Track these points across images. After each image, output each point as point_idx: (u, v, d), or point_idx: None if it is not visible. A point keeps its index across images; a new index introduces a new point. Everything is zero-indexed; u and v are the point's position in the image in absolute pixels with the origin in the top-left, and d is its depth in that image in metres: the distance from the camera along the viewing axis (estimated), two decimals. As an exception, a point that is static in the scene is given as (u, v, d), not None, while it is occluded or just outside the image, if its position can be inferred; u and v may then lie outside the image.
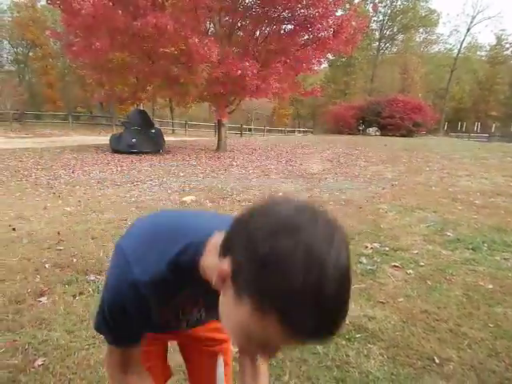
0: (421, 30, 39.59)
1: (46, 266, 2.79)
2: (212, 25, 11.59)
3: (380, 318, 2.18)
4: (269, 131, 32.11)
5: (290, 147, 12.98)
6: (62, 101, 32.16)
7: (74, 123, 24.36)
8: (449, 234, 3.67)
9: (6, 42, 34.79)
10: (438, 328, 2.08)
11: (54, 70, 32.06)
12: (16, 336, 1.91)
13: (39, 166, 8.00)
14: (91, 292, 2.40)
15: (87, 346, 1.84)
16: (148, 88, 11.79)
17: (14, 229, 3.68)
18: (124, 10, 9.22)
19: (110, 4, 9.22)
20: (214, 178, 7.22)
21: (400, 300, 2.40)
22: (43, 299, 2.29)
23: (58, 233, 3.56)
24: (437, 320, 2.17)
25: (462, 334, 2.02)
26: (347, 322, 2.15)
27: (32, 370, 1.67)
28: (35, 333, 1.94)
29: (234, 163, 9.28)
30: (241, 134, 26.47)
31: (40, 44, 31.05)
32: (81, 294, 2.38)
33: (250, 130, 31.41)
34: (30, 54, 34.05)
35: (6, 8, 34.15)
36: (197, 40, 8.75)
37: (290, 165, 8.94)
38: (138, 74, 11.37)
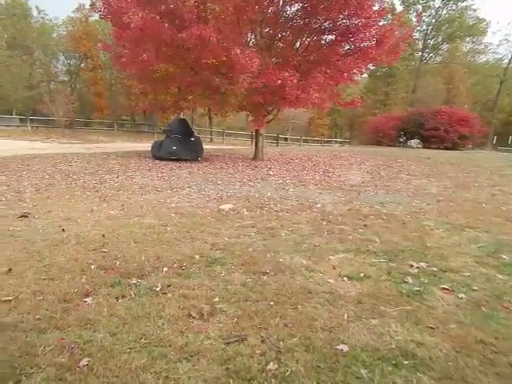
0: (467, 39, 37.85)
1: (92, 267, 2.89)
2: (253, 36, 11.78)
3: (430, 344, 2.03)
4: (305, 141, 31.95)
5: (328, 158, 12.78)
6: (109, 109, 34.06)
7: (119, 130, 25.66)
8: (504, 256, 3.39)
9: (60, 54, 37.52)
10: (497, 361, 1.90)
11: (103, 80, 34.12)
12: (63, 334, 1.98)
13: (87, 171, 8.45)
14: (133, 295, 2.45)
15: (129, 350, 1.87)
16: (189, 97, 12.15)
17: (63, 230, 3.87)
18: (170, 23, 9.60)
19: (158, 17, 9.65)
20: (251, 186, 7.24)
21: (452, 326, 2.22)
22: (88, 300, 2.37)
23: (103, 235, 3.70)
24: (495, 352, 1.98)
25: (526, 369, 1.83)
26: (393, 346, 2.03)
27: (77, 369, 1.72)
28: (81, 332, 2.00)
29: (271, 172, 9.26)
30: (277, 143, 26.54)
31: (91, 56, 33.26)
32: (123, 296, 2.43)
33: (286, 139, 31.43)
34: (82, 65, 36.50)
35: (61, 23, 36.99)
36: (238, 51, 8.90)
37: (328, 176, 8.77)
38: (180, 84, 11.77)
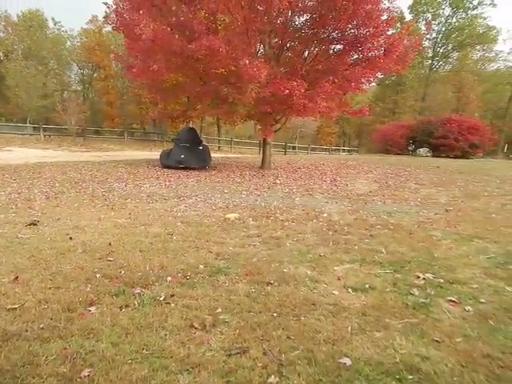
0: (478, 47, 37.65)
1: (97, 276, 2.92)
2: (262, 46, 11.91)
3: (435, 359, 1.99)
4: (313, 149, 31.94)
5: (335, 166, 12.74)
6: (120, 118, 34.63)
7: (129, 139, 26.01)
8: (514, 268, 3.32)
9: (74, 64, 38.46)
10: (504, 377, 1.85)
11: (114, 89, 34.76)
12: (66, 344, 1.99)
13: (96, 179, 8.57)
14: (136, 305, 2.46)
15: (130, 361, 1.87)
16: (198, 107, 12.30)
17: (70, 238, 3.93)
18: (180, 34, 9.78)
19: (169, 29, 9.85)
20: (257, 195, 7.25)
21: (458, 340, 2.18)
22: (92, 309, 2.39)
23: (110, 244, 3.74)
24: (502, 367, 1.93)
25: (534, 387, 1.78)
26: (397, 359, 1.99)
27: (78, 379, 1.72)
28: (83, 342, 2.01)
29: (278, 181, 9.27)
30: (285, 151, 26.57)
31: (104, 66, 33.99)
32: (127, 306, 2.44)
33: (294, 147, 31.45)
34: (95, 75, 37.31)
35: (76, 34, 37.98)
36: (247, 61, 9.01)
37: (335, 185, 8.74)
38: (189, 94, 11.94)
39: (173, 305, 2.48)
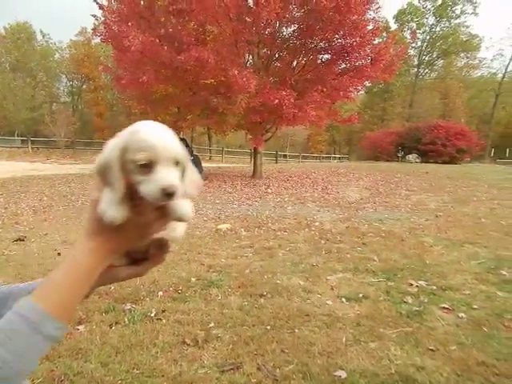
0: (462, 54, 38.62)
1: (86, 292, 2.85)
2: (250, 56, 12.03)
3: (430, 368, 1.98)
4: (304, 157, 32.13)
5: (326, 174, 12.81)
6: (110, 129, 34.42)
7: (119, 150, 25.82)
8: (504, 273, 3.34)
9: (63, 76, 38.29)
10: (499, 385, 1.84)
11: (104, 100, 34.67)
12: (53, 365, 1.93)
13: (85, 192, 8.46)
14: (127, 322, 2.40)
15: (120, 381, 1.82)
16: (188, 117, 12.31)
17: (59, 253, 3.84)
18: (169, 45, 9.83)
19: (157, 41, 9.89)
20: (249, 205, 7.23)
21: (452, 348, 2.17)
22: (81, 327, 2.33)
23: (99, 258, 3.66)
24: (497, 375, 1.93)
25: (529, 394, 1.77)
26: (392, 370, 1.98)
27: (66, 403, 1.67)
28: (71, 363, 1.95)
29: (269, 190, 9.27)
30: (276, 160, 26.67)
31: (93, 77, 33.90)
32: (117, 323, 2.39)
33: (285, 156, 31.61)
34: (84, 86, 37.15)
35: (65, 46, 37.92)
36: (236, 72, 9.07)
37: (326, 193, 8.77)
38: (179, 105, 11.96)
39: (164, 320, 2.43)
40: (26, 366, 0.45)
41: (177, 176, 0.50)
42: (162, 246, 0.61)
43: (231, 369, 1.94)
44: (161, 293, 2.85)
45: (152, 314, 2.50)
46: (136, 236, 0.55)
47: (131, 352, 2.06)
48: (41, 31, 37.40)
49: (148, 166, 0.49)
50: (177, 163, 0.51)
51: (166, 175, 0.49)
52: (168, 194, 0.48)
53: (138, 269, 0.61)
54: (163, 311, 2.55)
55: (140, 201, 0.50)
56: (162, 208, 0.52)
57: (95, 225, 0.52)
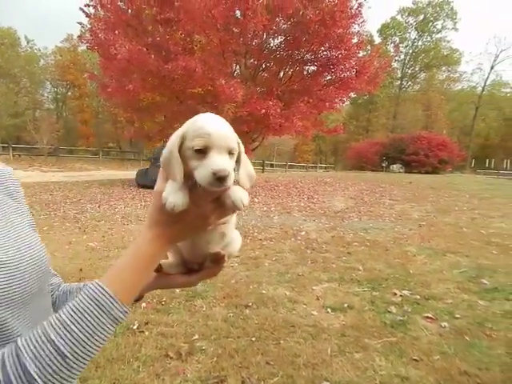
0: (443, 68, 39.95)
1: (66, 304, 2.77)
2: (238, 66, 12.13)
3: (414, 378, 1.99)
4: (290, 167, 32.34)
5: (312, 183, 12.91)
6: (95, 136, 34.01)
7: (105, 158, 25.51)
8: (485, 281, 3.41)
9: (48, 83, 37.75)
10: (481, 394, 1.86)
11: (89, 108, 34.29)
12: (30, 382, 1.85)
13: (68, 200, 8.29)
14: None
15: (100, 397, 1.76)
16: (176, 126, 12.24)
17: (38, 264, 3.73)
18: (156, 54, 9.83)
19: (145, 49, 9.88)
20: (235, 214, 7.20)
21: (436, 358, 2.19)
22: (60, 341, 2.25)
23: (81, 269, 3.58)
24: (479, 384, 1.95)
25: (510, 403, 1.80)
26: (377, 381, 1.98)
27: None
28: (49, 379, 1.88)
29: (256, 200, 9.27)
30: (263, 169, 26.75)
31: (78, 84, 33.54)
32: (98, 336, 2.32)
33: (271, 165, 31.75)
34: (69, 93, 36.70)
35: (50, 52, 37.47)
36: (223, 81, 9.13)
37: (312, 202, 8.83)
38: (166, 113, 11.90)
39: (147, 333, 2.38)
40: (94, 346, 0.47)
41: (229, 163, 0.53)
42: (218, 259, 0.64)
43: (215, 382, 1.91)
44: (144, 304, 2.79)
45: (134, 327, 2.44)
46: (193, 227, 0.57)
47: (112, 366, 2.00)
48: (25, 37, 36.96)
49: (203, 152, 0.52)
50: (230, 153, 0.54)
51: (218, 160, 0.51)
52: (219, 177, 0.50)
53: (191, 279, 0.67)
54: (146, 323, 2.50)
55: (197, 191, 0.53)
56: (218, 200, 0.55)
57: (156, 214, 0.56)
